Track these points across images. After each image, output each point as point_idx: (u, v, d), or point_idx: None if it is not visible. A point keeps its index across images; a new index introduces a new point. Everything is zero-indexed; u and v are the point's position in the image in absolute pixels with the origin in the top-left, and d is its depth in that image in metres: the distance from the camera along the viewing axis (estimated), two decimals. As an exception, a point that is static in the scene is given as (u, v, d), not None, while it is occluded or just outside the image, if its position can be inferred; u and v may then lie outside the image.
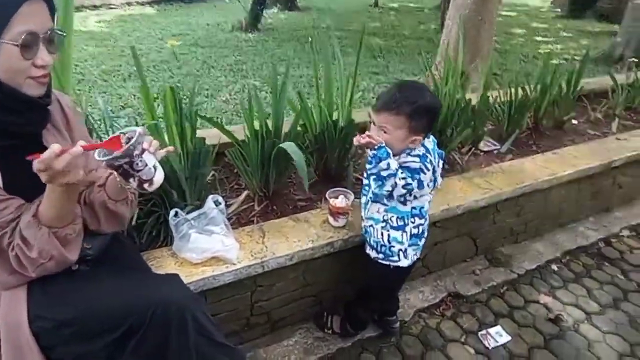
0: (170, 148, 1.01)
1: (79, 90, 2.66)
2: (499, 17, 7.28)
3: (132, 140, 0.83)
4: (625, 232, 2.50)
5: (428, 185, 1.32)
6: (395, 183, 1.25)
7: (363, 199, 1.47)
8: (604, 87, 3.50)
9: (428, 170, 1.28)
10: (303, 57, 5.69)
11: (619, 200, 2.70)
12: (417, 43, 7.04)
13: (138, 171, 0.87)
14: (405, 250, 1.38)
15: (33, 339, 0.93)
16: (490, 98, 2.47)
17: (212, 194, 1.54)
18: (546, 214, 2.29)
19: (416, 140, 1.27)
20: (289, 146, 1.59)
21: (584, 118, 3.12)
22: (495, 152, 2.50)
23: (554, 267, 2.17)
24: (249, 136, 1.72)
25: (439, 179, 1.39)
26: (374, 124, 1.29)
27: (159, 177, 0.91)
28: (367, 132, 1.27)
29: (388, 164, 1.24)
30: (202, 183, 1.66)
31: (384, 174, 1.25)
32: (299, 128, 1.85)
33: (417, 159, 1.27)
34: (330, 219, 1.63)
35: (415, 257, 1.44)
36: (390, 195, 1.31)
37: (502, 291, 1.99)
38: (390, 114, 1.23)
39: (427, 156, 1.28)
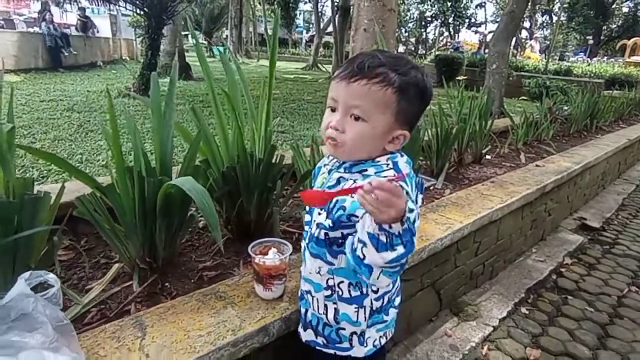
0: None
1: None
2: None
3: None
4: (568, 260, 2.37)
5: None
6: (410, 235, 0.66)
7: (302, 245, 0.91)
8: (500, 127, 3.77)
9: (415, 205, 0.73)
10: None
11: (550, 227, 2.64)
12: (317, 106, 7.16)
13: None
14: (362, 333, 0.85)
15: None
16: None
17: (50, 270, 0.86)
18: (498, 248, 2.02)
19: (400, 137, 0.76)
20: (185, 182, 1.02)
21: (494, 153, 3.17)
22: (432, 187, 2.23)
23: (524, 310, 1.85)
24: (116, 175, 1.11)
25: None
26: (332, 109, 0.76)
27: None
28: (328, 123, 0.75)
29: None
30: (25, 255, 0.97)
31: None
32: (198, 162, 1.29)
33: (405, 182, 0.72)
34: (259, 289, 1.05)
35: (383, 340, 0.88)
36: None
37: (484, 353, 1.56)
38: (371, 83, 0.72)
39: (411, 179, 0.75)
